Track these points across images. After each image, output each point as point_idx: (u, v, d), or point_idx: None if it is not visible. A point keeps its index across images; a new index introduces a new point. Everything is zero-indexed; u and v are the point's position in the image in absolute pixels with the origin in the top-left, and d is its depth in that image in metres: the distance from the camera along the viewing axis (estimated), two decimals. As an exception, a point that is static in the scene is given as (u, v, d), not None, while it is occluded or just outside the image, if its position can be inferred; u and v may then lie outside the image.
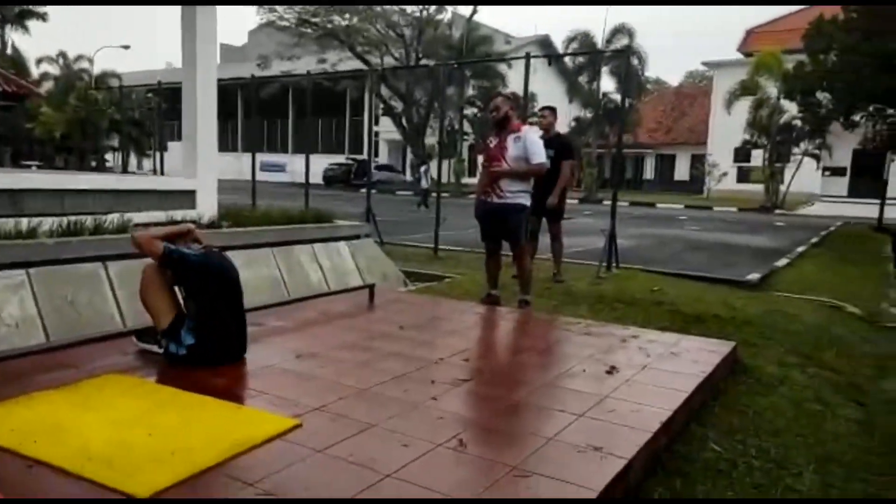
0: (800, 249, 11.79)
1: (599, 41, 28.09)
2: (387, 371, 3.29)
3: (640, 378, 3.39)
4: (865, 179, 31.21)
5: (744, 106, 25.85)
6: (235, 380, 3.15)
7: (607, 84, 30.33)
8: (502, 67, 28.22)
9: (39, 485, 2.05)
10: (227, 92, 36.00)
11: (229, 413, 2.64)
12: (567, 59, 31.78)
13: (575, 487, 2.15)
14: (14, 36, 36.29)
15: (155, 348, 3.37)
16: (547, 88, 31.39)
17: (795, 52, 18.73)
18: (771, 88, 24.49)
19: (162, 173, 13.40)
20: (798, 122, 23.03)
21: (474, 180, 6.56)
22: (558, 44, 34.74)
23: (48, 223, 4.48)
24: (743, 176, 32.43)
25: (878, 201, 18.55)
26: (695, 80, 55.87)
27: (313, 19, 30.50)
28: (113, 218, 4.88)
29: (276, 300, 4.90)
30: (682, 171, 39.25)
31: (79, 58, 36.01)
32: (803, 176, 26.64)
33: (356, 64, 30.17)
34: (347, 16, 30.48)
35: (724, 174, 32.04)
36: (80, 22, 79.39)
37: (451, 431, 2.55)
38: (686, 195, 32.66)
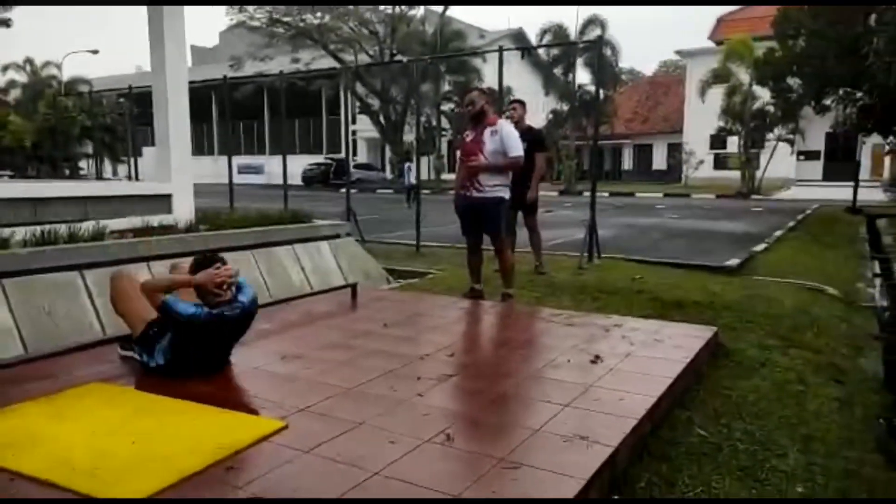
0: (777, 234, 11.95)
1: (573, 33, 28.16)
2: (372, 369, 3.28)
3: (624, 366, 3.41)
4: (839, 162, 31.77)
5: (717, 93, 26.08)
6: (220, 384, 3.12)
7: (583, 76, 30.45)
8: (477, 62, 28.18)
9: (21, 498, 2.02)
10: (201, 94, 35.59)
11: (214, 417, 2.61)
12: (542, 51, 31.81)
13: (562, 477, 2.16)
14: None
15: (138, 356, 3.32)
16: (523, 82, 31.47)
17: (766, 38, 18.92)
18: (743, 75, 24.74)
19: (137, 179, 13.24)
20: (771, 108, 23.28)
21: (454, 176, 6.56)
22: (532, 37, 34.88)
23: (21, 233, 4.40)
24: (719, 163, 32.75)
25: (851, 184, 18.87)
26: (668, 69, 56.27)
27: (285, 18, 30.26)
28: (88, 225, 4.81)
29: (258, 302, 4.85)
30: (659, 160, 39.56)
31: (46, 64, 35.40)
32: (778, 161, 26.98)
33: (330, 62, 29.98)
34: (319, 14, 30.28)
35: (701, 162, 32.32)
36: (47, 28, 78.01)
37: (438, 426, 2.55)
38: (664, 184, 32.91)
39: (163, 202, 5.92)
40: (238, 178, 12.11)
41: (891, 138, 17.74)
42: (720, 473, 2.62)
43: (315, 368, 3.30)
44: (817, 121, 22.93)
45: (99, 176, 18.58)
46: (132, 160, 13.69)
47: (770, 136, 25.99)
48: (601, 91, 27.07)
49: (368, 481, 2.11)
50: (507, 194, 5.32)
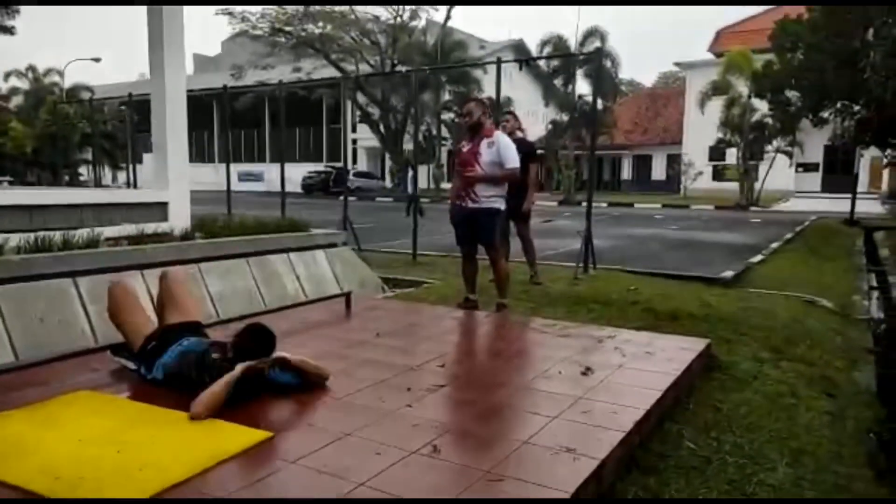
0: (774, 245, 11.96)
1: (573, 45, 28.29)
2: (362, 379, 3.28)
3: (615, 378, 3.41)
4: (837, 174, 31.85)
5: (716, 105, 26.19)
6: (208, 393, 3.11)
7: (583, 87, 30.60)
8: (478, 73, 28.33)
9: (3, 507, 2.02)
10: (203, 103, 35.80)
11: (201, 427, 2.60)
12: (542, 63, 31.97)
13: (547, 490, 2.16)
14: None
15: (131, 365, 3.31)
16: (523, 93, 31.60)
17: (764, 51, 19.02)
18: (742, 87, 24.85)
19: (135, 186, 13.26)
20: (769, 120, 23.39)
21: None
22: (532, 48, 34.99)
23: (15, 239, 4.40)
24: (718, 174, 32.84)
25: (849, 195, 18.90)
26: (668, 80, 56.51)
27: (287, 28, 30.41)
28: (82, 233, 4.80)
29: (252, 311, 4.85)
30: (658, 170, 39.66)
31: (49, 71, 35.54)
32: (777, 173, 27.07)
33: (332, 72, 30.10)
34: (321, 24, 30.43)
35: (700, 173, 32.42)
36: (50, 35, 78.40)
37: (426, 438, 2.54)
38: (663, 195, 32.99)
39: (159, 210, 5.92)
40: (239, 186, 12.17)
41: (888, 151, 17.80)
42: (708, 487, 2.61)
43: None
44: (816, 133, 23.03)
45: (98, 182, 18.62)
46: (131, 167, 13.71)
47: (769, 147, 26.09)
48: (601, 102, 27.21)
49: (352, 492, 2.10)
50: (502, 205, 5.33)
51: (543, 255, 7.27)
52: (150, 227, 5.53)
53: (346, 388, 3.13)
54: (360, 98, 31.85)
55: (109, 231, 5.18)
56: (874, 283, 8.59)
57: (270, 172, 35.88)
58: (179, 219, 5.94)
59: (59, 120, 26.37)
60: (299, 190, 30.98)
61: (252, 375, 2.86)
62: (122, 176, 26.81)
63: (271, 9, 29.90)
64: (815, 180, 34.33)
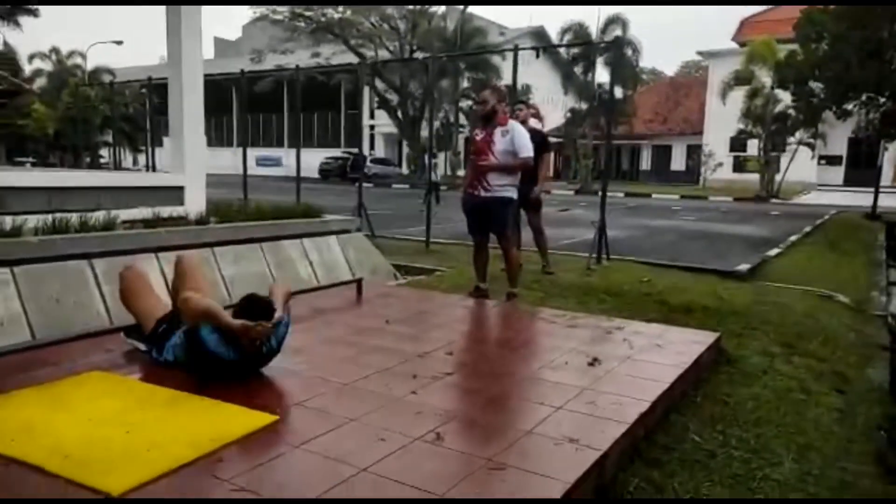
0: (792, 238, 11.80)
1: (594, 32, 27.98)
2: (370, 366, 3.30)
3: (622, 369, 3.40)
4: (860, 168, 31.31)
5: (738, 95, 25.82)
6: (218, 376, 3.15)
7: (602, 75, 30.28)
8: (496, 59, 28.11)
9: (14, 483, 2.06)
10: (222, 87, 35.90)
11: (208, 409, 2.64)
12: (562, 50, 31.67)
13: (548, 480, 2.17)
14: (5, 31, 36.12)
15: (142, 346, 3.36)
16: (544, 81, 31.37)
17: (789, 41, 18.69)
18: (765, 78, 24.46)
19: (154, 169, 13.38)
20: (792, 112, 23.01)
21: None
22: (553, 35, 34.71)
23: (33, 221, 4.48)
24: (739, 165, 32.41)
25: (872, 189, 18.58)
26: (690, 69, 55.77)
27: (307, 13, 30.40)
28: (99, 215, 4.87)
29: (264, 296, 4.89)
30: (678, 161, 39.24)
31: (72, 53, 35.89)
32: (799, 165, 26.66)
33: (351, 57, 30.07)
34: (341, 9, 30.38)
35: (720, 164, 32.03)
36: (74, 18, 78.99)
37: (430, 425, 2.56)
38: (682, 185, 32.65)
39: (175, 194, 5.97)
40: (257, 170, 12.26)
41: (914, 144, 17.43)
42: (711, 480, 2.61)
43: (313, 363, 3.33)
44: (840, 126, 22.60)
45: (117, 165, 18.81)
46: (150, 150, 13.82)
47: (791, 139, 25.67)
48: (621, 91, 26.90)
49: (354, 478, 2.12)
50: (515, 194, 5.33)
51: (558, 244, 7.26)
52: (165, 211, 5.58)
53: (352, 375, 3.15)
54: (379, 84, 31.79)
55: (126, 214, 5.25)
56: (893, 279, 8.45)
57: (289, 157, 35.93)
58: (195, 203, 5.99)
59: (81, 102, 26.62)
60: (316, 175, 31.08)
61: (256, 340, 2.96)
62: (142, 159, 27.07)
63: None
64: (838, 173, 33.80)
